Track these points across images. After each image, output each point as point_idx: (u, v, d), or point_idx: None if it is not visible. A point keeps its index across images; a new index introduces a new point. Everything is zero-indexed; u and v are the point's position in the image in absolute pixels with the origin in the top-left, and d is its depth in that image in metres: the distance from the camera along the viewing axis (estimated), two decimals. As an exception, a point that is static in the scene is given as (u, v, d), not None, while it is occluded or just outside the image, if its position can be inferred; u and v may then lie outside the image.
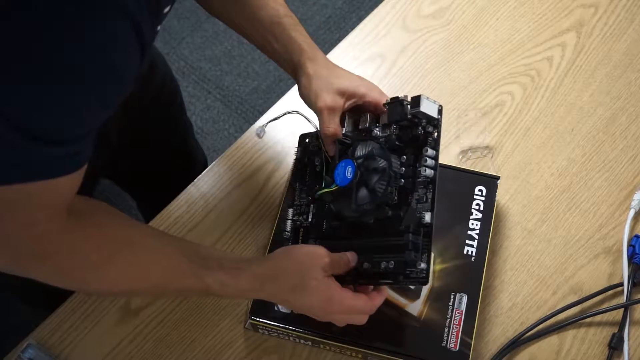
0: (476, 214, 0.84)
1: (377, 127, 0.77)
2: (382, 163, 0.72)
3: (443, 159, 0.91)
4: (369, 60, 1.00)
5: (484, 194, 0.85)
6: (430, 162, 0.72)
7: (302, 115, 0.93)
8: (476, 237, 0.83)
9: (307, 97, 0.78)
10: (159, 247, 0.68)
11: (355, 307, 0.71)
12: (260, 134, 0.80)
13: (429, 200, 0.71)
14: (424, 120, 0.73)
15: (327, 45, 1.92)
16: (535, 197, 0.90)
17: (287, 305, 0.76)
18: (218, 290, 0.68)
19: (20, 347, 0.81)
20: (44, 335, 0.82)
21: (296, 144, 0.89)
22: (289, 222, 0.82)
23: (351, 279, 0.73)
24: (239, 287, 0.69)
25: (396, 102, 0.74)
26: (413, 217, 0.70)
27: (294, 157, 0.87)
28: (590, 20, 1.03)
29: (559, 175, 0.92)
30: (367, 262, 0.72)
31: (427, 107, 0.72)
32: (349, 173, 0.73)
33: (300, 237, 0.80)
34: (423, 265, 0.69)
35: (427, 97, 0.72)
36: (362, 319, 0.73)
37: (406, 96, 0.74)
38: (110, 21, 0.46)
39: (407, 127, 0.74)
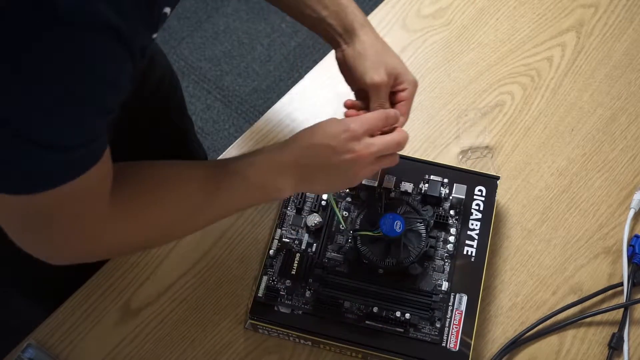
0: (476, 214, 0.84)
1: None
2: (421, 229, 0.81)
3: (443, 159, 0.91)
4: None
5: (484, 194, 0.85)
6: (453, 239, 0.82)
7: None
8: (476, 237, 0.83)
9: (360, 66, 0.75)
10: (186, 174, 0.69)
11: (384, 141, 0.70)
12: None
13: (446, 271, 0.81)
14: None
15: (327, 45, 1.91)
16: (535, 197, 0.90)
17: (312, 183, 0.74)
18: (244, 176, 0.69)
19: (20, 347, 0.81)
20: (44, 335, 0.82)
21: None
22: (275, 242, 0.83)
23: (356, 319, 0.78)
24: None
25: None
26: (429, 282, 0.80)
27: None
28: (590, 20, 1.03)
29: (559, 175, 0.92)
30: (377, 306, 0.78)
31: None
32: (398, 227, 0.78)
33: (296, 261, 0.81)
34: (438, 324, 0.78)
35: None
36: (395, 157, 0.73)
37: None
38: (89, 38, 0.46)
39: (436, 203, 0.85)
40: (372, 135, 0.70)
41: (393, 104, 0.76)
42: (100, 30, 0.46)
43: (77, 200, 0.55)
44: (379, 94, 0.74)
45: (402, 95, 0.76)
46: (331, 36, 0.78)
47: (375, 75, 0.74)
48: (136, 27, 0.50)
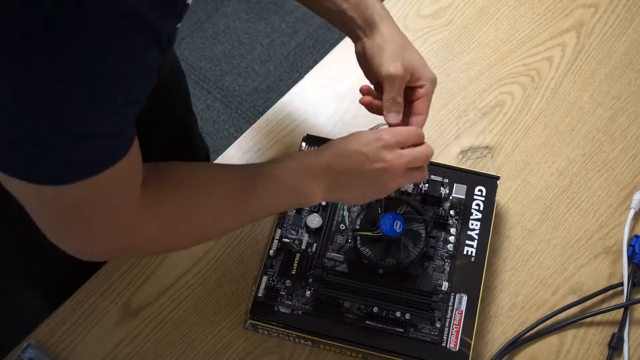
0: (476, 214, 0.84)
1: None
2: (421, 229, 0.80)
3: (443, 159, 0.91)
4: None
5: (484, 194, 0.85)
6: (453, 239, 0.82)
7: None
8: (476, 237, 0.83)
9: (378, 58, 0.74)
10: (223, 177, 0.70)
11: (415, 153, 0.71)
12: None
13: (446, 271, 0.81)
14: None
15: (327, 45, 1.92)
16: (535, 197, 0.90)
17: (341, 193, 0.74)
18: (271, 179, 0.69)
19: (20, 347, 0.81)
20: (44, 335, 0.82)
21: (295, 144, 0.89)
22: (275, 242, 0.83)
23: (356, 319, 0.78)
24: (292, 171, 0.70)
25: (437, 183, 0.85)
26: (429, 282, 0.80)
27: None
28: (590, 20, 1.03)
29: (559, 175, 0.92)
30: (377, 306, 0.78)
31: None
32: (397, 227, 0.78)
33: (296, 262, 0.81)
34: (438, 324, 0.78)
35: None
36: (425, 172, 0.73)
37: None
38: (120, 25, 0.46)
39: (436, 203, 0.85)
40: (402, 148, 0.71)
41: (411, 101, 0.76)
42: (130, 17, 0.46)
43: (110, 193, 0.55)
44: (393, 87, 0.73)
45: (420, 92, 0.75)
46: (351, 29, 0.77)
47: (390, 66, 0.73)
48: (163, 15, 0.50)
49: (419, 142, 0.73)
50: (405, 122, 0.75)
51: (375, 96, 0.77)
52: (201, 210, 0.66)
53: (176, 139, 1.12)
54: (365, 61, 0.76)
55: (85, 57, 0.46)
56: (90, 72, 0.47)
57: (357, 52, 0.77)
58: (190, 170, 0.68)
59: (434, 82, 0.76)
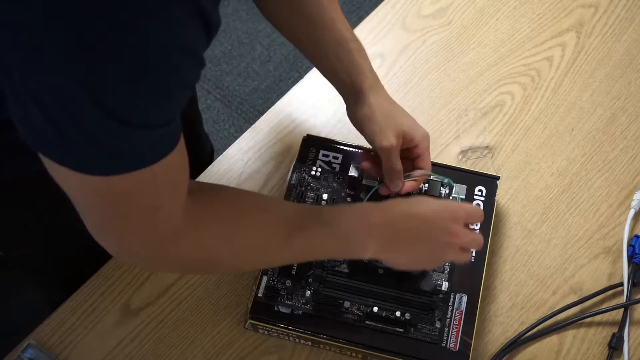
0: (476, 214, 0.84)
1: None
2: None
3: (443, 159, 0.91)
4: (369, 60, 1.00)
5: (484, 194, 0.85)
6: (448, 180, 0.82)
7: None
8: (476, 237, 0.83)
9: (369, 128, 0.77)
10: (279, 207, 0.70)
11: (476, 234, 0.74)
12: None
13: (446, 271, 0.80)
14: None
15: (327, 45, 1.92)
16: (535, 197, 0.90)
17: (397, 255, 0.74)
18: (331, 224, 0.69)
19: (20, 347, 0.81)
20: (44, 335, 0.82)
21: (296, 144, 0.89)
22: None
23: (356, 319, 0.78)
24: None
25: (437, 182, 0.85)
26: (429, 282, 0.80)
27: (290, 173, 0.87)
28: (590, 20, 1.03)
29: (559, 175, 0.92)
30: (377, 306, 0.78)
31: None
32: None
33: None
34: (438, 324, 0.78)
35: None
36: (481, 241, 0.74)
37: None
38: (173, 6, 0.46)
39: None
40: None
41: (412, 159, 0.79)
42: (189, 4, 0.46)
43: (156, 190, 0.55)
44: (389, 157, 0.76)
45: (416, 151, 0.78)
46: (342, 91, 0.80)
47: (383, 139, 0.75)
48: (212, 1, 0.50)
49: (480, 221, 0.77)
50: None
51: (374, 159, 0.81)
52: (247, 235, 0.65)
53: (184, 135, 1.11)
54: (356, 125, 0.79)
55: (145, 44, 0.45)
56: (145, 56, 0.46)
57: (348, 115, 0.81)
58: (241, 193, 0.69)
59: (426, 138, 0.79)
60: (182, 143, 0.55)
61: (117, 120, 0.47)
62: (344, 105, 0.81)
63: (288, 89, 0.99)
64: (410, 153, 0.79)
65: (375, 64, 0.99)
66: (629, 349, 0.81)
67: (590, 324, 0.83)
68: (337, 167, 0.87)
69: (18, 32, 0.43)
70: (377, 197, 0.82)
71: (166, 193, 0.57)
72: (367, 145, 0.86)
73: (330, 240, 0.69)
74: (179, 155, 0.55)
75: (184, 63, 0.50)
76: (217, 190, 0.67)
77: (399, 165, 0.77)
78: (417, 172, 0.79)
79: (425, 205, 0.72)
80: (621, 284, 0.84)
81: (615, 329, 0.82)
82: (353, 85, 0.78)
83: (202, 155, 1.19)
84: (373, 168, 0.81)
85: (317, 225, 0.68)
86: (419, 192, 0.85)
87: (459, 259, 0.73)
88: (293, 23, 0.81)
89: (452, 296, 0.79)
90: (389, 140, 0.75)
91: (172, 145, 0.53)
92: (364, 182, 0.85)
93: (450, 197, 0.85)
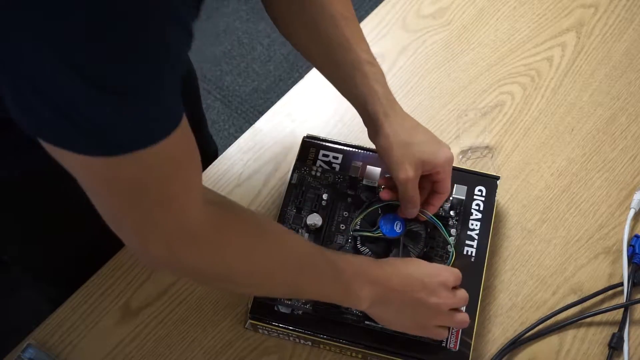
0: (476, 214, 0.84)
1: None
2: (421, 229, 0.81)
3: (443, 159, 0.91)
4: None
5: (483, 194, 0.85)
6: (453, 239, 0.82)
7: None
8: (476, 237, 0.83)
9: (387, 159, 0.77)
10: (295, 239, 0.72)
11: (461, 294, 0.76)
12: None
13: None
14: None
15: (327, 45, 1.91)
16: (535, 197, 0.90)
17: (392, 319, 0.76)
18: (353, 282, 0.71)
19: (20, 347, 0.81)
20: (44, 335, 0.82)
21: (296, 144, 0.89)
22: None
23: (356, 319, 0.78)
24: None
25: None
26: None
27: (290, 173, 0.87)
28: (590, 20, 1.03)
29: (559, 175, 0.92)
30: None
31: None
32: (398, 228, 0.79)
33: None
34: None
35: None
36: (465, 317, 0.76)
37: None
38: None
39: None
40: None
41: (433, 182, 0.79)
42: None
43: (165, 175, 0.53)
44: (406, 189, 0.76)
45: (438, 177, 0.78)
46: (361, 116, 0.80)
47: (400, 172, 0.75)
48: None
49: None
50: (423, 196, 0.79)
51: (392, 187, 0.80)
52: (266, 257, 0.66)
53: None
54: (380, 153, 0.78)
55: (126, 8, 0.43)
56: (129, 21, 0.44)
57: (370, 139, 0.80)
58: (261, 216, 0.69)
59: (448, 163, 0.77)
60: (187, 131, 0.53)
61: (102, 89, 0.45)
62: (344, 105, 0.81)
63: (288, 89, 0.99)
64: (432, 177, 0.78)
65: (375, 64, 1.00)
66: (629, 349, 0.81)
67: (590, 324, 0.83)
68: (337, 167, 0.87)
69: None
70: (373, 214, 0.82)
71: (177, 182, 0.55)
72: (367, 145, 0.87)
73: (331, 284, 0.71)
74: (184, 141, 0.53)
75: (171, 30, 0.48)
76: (239, 207, 0.66)
77: (416, 196, 0.77)
78: (427, 214, 0.80)
79: (419, 268, 0.75)
80: (621, 284, 0.84)
81: (615, 329, 0.82)
82: (369, 114, 0.77)
83: (208, 156, 1.19)
84: (390, 192, 0.80)
85: (324, 267, 0.70)
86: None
87: (447, 322, 0.75)
88: (307, 42, 0.80)
89: (452, 296, 0.79)
90: (406, 173, 0.75)
91: (169, 125, 0.51)
92: (364, 182, 0.85)
93: (451, 198, 0.84)
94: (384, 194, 0.80)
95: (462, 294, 0.76)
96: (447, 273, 0.75)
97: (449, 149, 0.78)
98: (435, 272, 0.75)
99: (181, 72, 0.52)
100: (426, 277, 0.74)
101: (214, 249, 0.61)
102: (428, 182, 0.79)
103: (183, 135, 0.52)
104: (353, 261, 0.73)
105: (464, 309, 0.77)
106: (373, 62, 0.77)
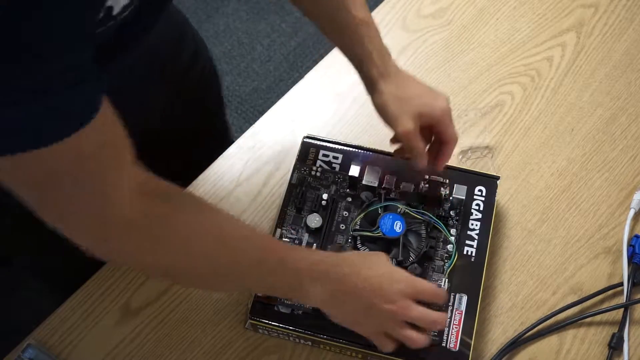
0: (476, 214, 0.84)
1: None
2: (421, 229, 0.81)
3: (443, 159, 0.91)
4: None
5: (483, 194, 0.85)
6: (453, 239, 0.82)
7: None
8: (476, 237, 0.83)
9: (384, 116, 0.79)
10: (235, 226, 0.69)
11: (423, 312, 0.71)
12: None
13: (446, 271, 0.80)
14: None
15: (327, 45, 1.91)
16: (535, 197, 0.90)
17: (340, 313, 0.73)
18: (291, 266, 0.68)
19: (20, 347, 0.81)
20: (44, 335, 0.82)
21: (295, 144, 0.89)
22: None
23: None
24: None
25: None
26: (429, 282, 0.78)
27: (290, 173, 0.87)
28: (590, 20, 1.03)
29: (559, 175, 0.92)
30: None
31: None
32: (398, 227, 0.79)
33: None
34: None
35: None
36: (423, 339, 0.72)
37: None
38: None
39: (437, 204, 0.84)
40: (418, 302, 0.72)
41: (437, 133, 0.79)
42: None
43: (82, 169, 0.52)
44: (409, 141, 0.77)
45: (438, 128, 0.78)
46: (361, 77, 0.81)
47: (398, 127, 0.77)
48: None
49: (438, 303, 0.75)
50: (436, 148, 0.80)
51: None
52: (199, 247, 0.64)
53: (200, 119, 1.08)
54: (378, 112, 0.80)
55: None
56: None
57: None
58: (205, 205, 0.66)
59: (445, 113, 0.78)
60: (103, 127, 0.51)
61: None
62: (344, 105, 0.81)
63: (288, 89, 0.99)
64: (433, 128, 0.79)
65: (375, 64, 1.00)
66: (629, 349, 0.81)
67: (590, 324, 0.83)
68: (337, 167, 0.87)
69: None
70: (373, 214, 0.82)
71: (96, 175, 0.53)
72: (367, 145, 0.87)
73: (277, 274, 0.69)
74: (96, 137, 0.51)
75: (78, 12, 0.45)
76: (179, 196, 0.64)
77: (419, 146, 0.78)
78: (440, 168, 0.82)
79: (380, 269, 0.71)
80: (621, 284, 0.84)
81: (615, 329, 0.82)
82: (365, 74, 0.79)
83: (224, 141, 1.17)
84: (401, 149, 0.83)
85: (269, 257, 0.68)
86: (420, 193, 0.85)
87: (399, 335, 0.72)
88: (309, 5, 0.81)
89: (452, 296, 0.79)
90: (404, 126, 0.76)
91: (90, 107, 0.49)
92: (364, 182, 0.85)
93: (451, 198, 0.84)
94: (396, 151, 0.84)
95: (422, 309, 0.71)
96: (411, 280, 0.72)
97: (446, 99, 0.79)
98: (397, 278, 0.71)
99: (85, 50, 0.49)
100: (386, 281, 0.70)
101: (146, 240, 0.60)
102: (432, 133, 0.80)
103: (95, 131, 0.50)
104: (308, 256, 0.70)
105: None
106: (368, 20, 0.78)
